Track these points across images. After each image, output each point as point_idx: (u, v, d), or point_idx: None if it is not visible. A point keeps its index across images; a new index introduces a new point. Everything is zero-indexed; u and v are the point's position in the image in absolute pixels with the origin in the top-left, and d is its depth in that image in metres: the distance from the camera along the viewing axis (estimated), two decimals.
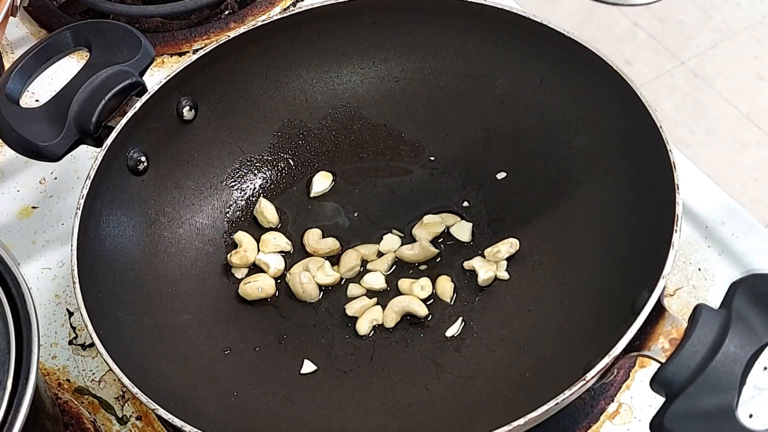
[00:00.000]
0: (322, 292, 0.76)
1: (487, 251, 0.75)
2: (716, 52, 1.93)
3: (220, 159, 0.81)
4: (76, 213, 0.70)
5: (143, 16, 0.96)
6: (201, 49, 0.80)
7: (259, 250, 0.78)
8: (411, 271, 0.76)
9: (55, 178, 0.87)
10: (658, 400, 0.59)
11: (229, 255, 0.77)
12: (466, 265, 0.75)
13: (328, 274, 0.76)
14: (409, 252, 0.77)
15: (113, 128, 0.74)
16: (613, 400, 0.71)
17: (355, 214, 0.80)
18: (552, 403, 0.59)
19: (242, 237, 0.78)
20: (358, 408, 0.70)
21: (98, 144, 0.74)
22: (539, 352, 0.70)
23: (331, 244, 0.78)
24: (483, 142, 0.81)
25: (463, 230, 0.78)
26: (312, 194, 0.81)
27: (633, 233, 0.70)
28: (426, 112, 0.82)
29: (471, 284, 0.75)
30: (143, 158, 0.76)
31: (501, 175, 0.80)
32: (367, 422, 0.69)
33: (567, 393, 0.59)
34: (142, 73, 0.77)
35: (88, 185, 0.71)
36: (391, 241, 0.78)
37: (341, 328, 0.74)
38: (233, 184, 0.81)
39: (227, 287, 0.77)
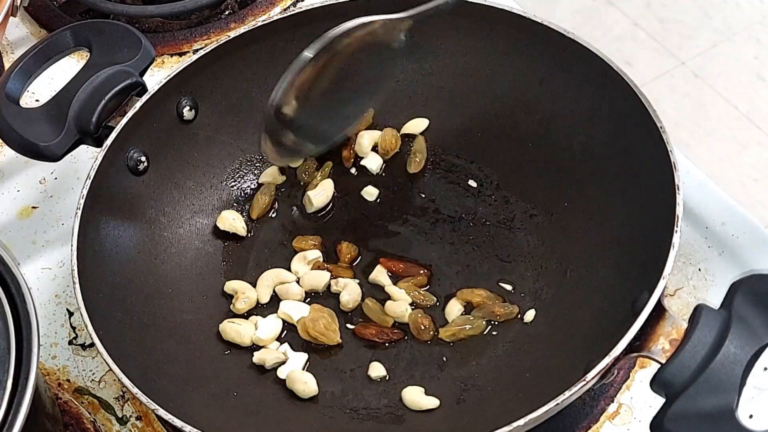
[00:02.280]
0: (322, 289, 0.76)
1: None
2: (716, 52, 1.93)
3: (220, 159, 0.81)
4: (76, 213, 0.70)
5: (143, 16, 0.96)
6: (201, 49, 0.80)
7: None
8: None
9: (55, 178, 0.87)
10: (658, 401, 0.59)
11: (231, 306, 0.76)
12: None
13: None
14: None
15: (113, 128, 0.74)
16: (613, 401, 0.71)
17: (348, 216, 0.80)
18: (552, 404, 0.59)
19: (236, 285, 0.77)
20: (357, 410, 0.70)
21: (98, 144, 0.74)
22: (539, 352, 0.70)
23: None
24: (483, 142, 0.81)
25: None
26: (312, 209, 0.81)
27: (633, 233, 0.70)
28: (426, 113, 0.82)
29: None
30: (143, 158, 0.76)
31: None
32: (366, 422, 0.69)
33: (567, 393, 0.59)
34: (142, 73, 0.77)
35: (88, 185, 0.71)
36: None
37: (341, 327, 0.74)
38: (233, 184, 0.81)
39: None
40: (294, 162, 0.81)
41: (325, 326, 0.72)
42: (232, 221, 0.78)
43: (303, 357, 0.72)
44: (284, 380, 0.71)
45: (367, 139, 0.81)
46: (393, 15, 0.72)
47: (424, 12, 0.72)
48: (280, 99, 0.72)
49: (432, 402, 0.69)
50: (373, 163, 0.81)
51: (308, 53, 0.71)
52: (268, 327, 0.73)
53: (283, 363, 0.72)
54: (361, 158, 0.82)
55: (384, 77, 0.78)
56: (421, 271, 0.76)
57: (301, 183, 0.81)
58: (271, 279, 0.76)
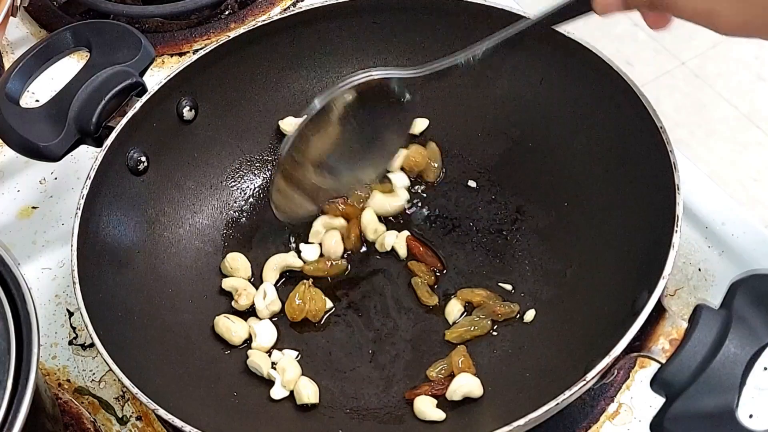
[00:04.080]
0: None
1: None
2: (716, 52, 1.93)
3: (220, 159, 0.81)
4: (76, 213, 0.70)
5: (143, 16, 0.96)
6: (201, 49, 0.80)
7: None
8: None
9: (55, 178, 0.87)
10: (658, 401, 0.59)
11: (233, 302, 0.76)
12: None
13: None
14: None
15: (113, 128, 0.74)
16: (613, 401, 0.71)
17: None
18: (552, 404, 0.59)
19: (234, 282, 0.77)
20: (357, 410, 0.70)
21: (98, 144, 0.74)
22: (539, 352, 0.70)
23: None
24: (483, 142, 0.81)
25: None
26: None
27: (633, 233, 0.70)
28: (426, 113, 0.82)
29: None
30: (143, 158, 0.76)
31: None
32: (366, 422, 0.69)
33: (567, 393, 0.59)
34: (142, 74, 0.77)
35: (88, 185, 0.71)
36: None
37: (337, 328, 0.74)
38: (233, 184, 0.81)
39: None
40: (298, 218, 0.78)
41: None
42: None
43: (294, 353, 0.73)
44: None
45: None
46: (405, 71, 0.71)
47: (437, 69, 0.71)
48: (291, 149, 0.72)
49: (439, 415, 0.68)
50: (400, 181, 0.81)
51: (317, 102, 0.71)
52: (266, 334, 0.73)
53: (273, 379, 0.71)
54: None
55: (397, 132, 0.76)
56: (438, 264, 0.76)
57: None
58: (276, 262, 0.77)
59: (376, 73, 0.71)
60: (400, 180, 0.81)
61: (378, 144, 0.76)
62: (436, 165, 0.81)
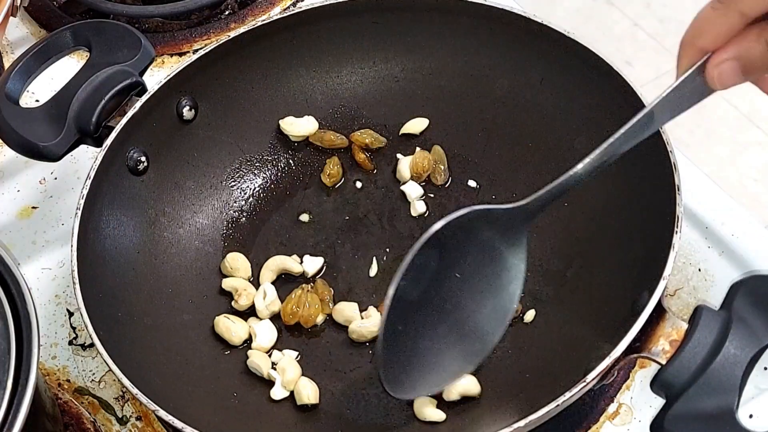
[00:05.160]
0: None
1: None
2: None
3: (220, 159, 0.81)
4: (76, 213, 0.70)
5: (143, 16, 0.96)
6: (201, 49, 0.80)
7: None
8: None
9: (55, 178, 0.87)
10: (658, 401, 0.59)
11: (233, 302, 0.76)
12: None
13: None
14: None
15: (113, 128, 0.74)
16: (613, 401, 0.71)
17: (347, 217, 0.80)
18: (552, 405, 0.59)
19: (234, 282, 0.76)
20: (357, 411, 0.70)
21: (98, 144, 0.74)
22: (539, 353, 0.70)
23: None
24: (483, 142, 0.81)
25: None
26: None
27: (633, 234, 0.70)
28: (426, 113, 0.82)
29: None
30: (143, 158, 0.76)
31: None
32: (366, 422, 0.69)
33: (567, 395, 0.59)
34: (142, 73, 0.77)
35: (88, 185, 0.71)
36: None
37: (337, 329, 0.74)
38: (233, 184, 0.81)
39: None
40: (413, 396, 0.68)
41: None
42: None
43: (294, 353, 0.73)
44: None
45: (404, 164, 0.81)
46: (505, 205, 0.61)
47: (543, 200, 0.61)
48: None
49: (439, 415, 0.68)
50: (413, 190, 0.80)
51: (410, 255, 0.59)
52: (266, 334, 0.73)
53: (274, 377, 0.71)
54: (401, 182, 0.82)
55: (507, 288, 0.64)
56: None
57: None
58: (276, 264, 0.77)
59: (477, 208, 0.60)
60: (412, 190, 0.80)
61: (491, 302, 0.64)
62: (443, 167, 0.80)
